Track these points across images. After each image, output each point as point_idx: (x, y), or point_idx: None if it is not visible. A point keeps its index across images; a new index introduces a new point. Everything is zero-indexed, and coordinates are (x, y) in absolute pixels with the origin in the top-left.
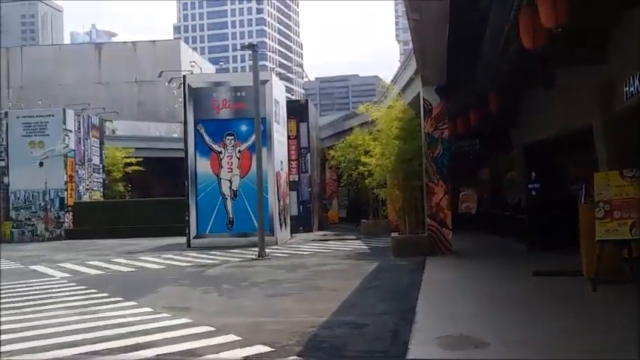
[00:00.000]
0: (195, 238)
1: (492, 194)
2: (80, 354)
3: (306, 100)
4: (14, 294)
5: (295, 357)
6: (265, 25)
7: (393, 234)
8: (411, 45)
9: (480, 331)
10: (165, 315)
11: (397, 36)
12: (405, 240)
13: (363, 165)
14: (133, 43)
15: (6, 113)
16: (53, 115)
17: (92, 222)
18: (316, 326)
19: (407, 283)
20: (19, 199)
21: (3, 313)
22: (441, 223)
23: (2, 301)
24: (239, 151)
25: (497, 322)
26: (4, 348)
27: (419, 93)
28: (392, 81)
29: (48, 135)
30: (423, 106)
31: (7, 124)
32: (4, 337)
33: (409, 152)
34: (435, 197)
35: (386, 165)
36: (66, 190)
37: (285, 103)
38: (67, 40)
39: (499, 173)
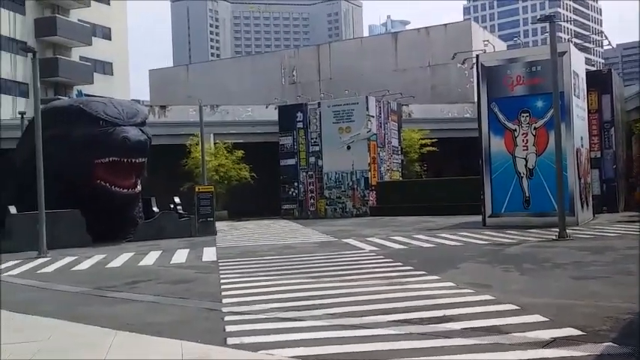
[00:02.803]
0: (490, 216)
1: None
2: (393, 321)
3: (609, 70)
4: (332, 264)
5: (610, 343)
6: None
7: None
8: None
9: None
10: (467, 290)
11: None
12: None
13: None
14: (426, 28)
15: (319, 103)
16: (357, 103)
17: (393, 200)
18: (632, 313)
19: None
20: (331, 179)
21: (325, 279)
22: None
23: (323, 269)
24: (534, 128)
25: None
26: (328, 311)
27: None
28: None
29: (353, 121)
30: None
31: (320, 112)
32: (327, 300)
33: None
34: None
35: None
36: (369, 170)
37: (584, 74)
38: (365, 33)
39: None
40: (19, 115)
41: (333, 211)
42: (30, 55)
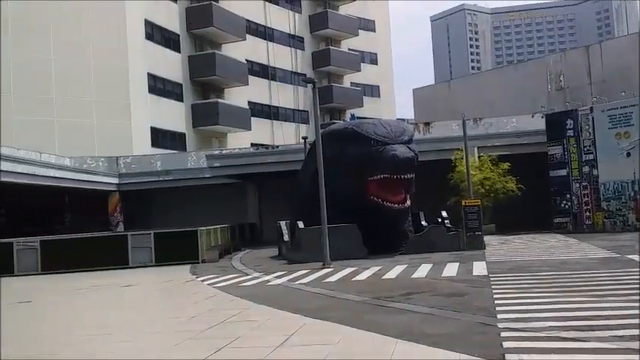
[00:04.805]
0: None
1: None
2: None
3: None
4: (616, 282)
5: None
6: None
7: None
8: None
9: None
10: None
11: None
12: None
13: None
14: None
15: (591, 108)
16: (637, 105)
17: None
18: None
19: None
20: (608, 189)
21: (609, 298)
22: None
23: (606, 287)
24: None
25: None
26: (615, 332)
27: None
28: None
29: (633, 125)
30: None
31: (592, 118)
32: (613, 321)
33: None
34: None
35: None
36: None
37: None
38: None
39: None
40: (302, 140)
41: (613, 225)
42: (310, 85)
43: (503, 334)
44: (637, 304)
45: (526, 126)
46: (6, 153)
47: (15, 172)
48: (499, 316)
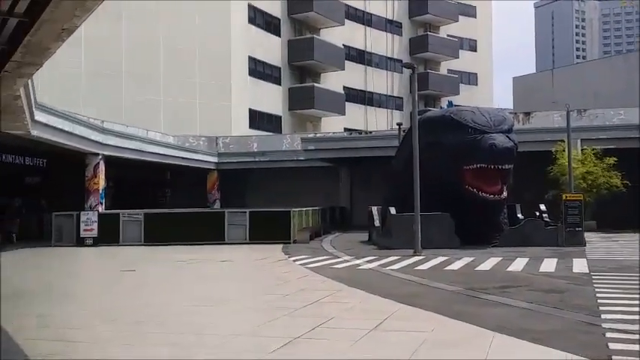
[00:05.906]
0: None
1: None
2: None
3: None
4: None
5: None
6: None
7: None
8: None
9: None
10: None
11: None
12: None
13: None
14: None
15: None
16: None
17: None
18: None
19: None
20: None
21: None
22: None
23: None
24: None
25: None
26: None
27: None
28: None
29: None
30: None
31: None
32: None
33: None
34: None
35: None
36: None
37: None
38: None
39: None
40: (397, 126)
41: None
42: (409, 70)
43: (608, 334)
44: None
45: (635, 119)
46: (117, 130)
47: (124, 148)
48: (603, 316)
